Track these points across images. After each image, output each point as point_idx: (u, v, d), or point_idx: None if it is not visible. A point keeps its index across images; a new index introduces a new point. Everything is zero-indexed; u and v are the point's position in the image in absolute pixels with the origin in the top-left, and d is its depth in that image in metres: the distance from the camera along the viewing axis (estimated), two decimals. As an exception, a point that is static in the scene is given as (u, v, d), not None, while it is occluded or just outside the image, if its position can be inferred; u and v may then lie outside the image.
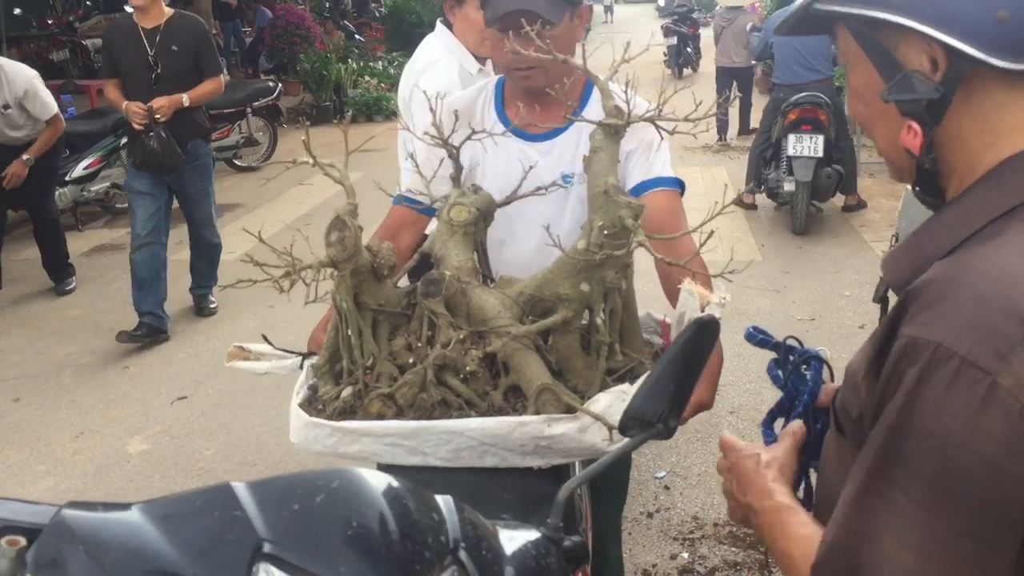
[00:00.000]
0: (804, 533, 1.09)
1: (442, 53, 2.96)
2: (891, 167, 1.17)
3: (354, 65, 14.07)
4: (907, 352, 0.93)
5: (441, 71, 2.89)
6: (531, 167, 1.98)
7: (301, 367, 1.83)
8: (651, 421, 1.23)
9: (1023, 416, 0.86)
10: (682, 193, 2.18)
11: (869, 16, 1.04)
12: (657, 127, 1.71)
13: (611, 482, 2.58)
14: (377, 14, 21.14)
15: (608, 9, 40.77)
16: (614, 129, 1.67)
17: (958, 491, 0.89)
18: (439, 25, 3.06)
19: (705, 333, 1.26)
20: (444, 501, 0.92)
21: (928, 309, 0.93)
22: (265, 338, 1.93)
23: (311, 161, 1.67)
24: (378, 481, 0.85)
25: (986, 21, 0.97)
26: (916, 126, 1.05)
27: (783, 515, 1.14)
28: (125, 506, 0.77)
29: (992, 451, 0.87)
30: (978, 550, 0.89)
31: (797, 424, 1.34)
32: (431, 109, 1.87)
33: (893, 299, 3.82)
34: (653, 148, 2.15)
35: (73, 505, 0.76)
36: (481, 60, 3.03)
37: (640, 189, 2.09)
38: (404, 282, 1.89)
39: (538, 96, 2.09)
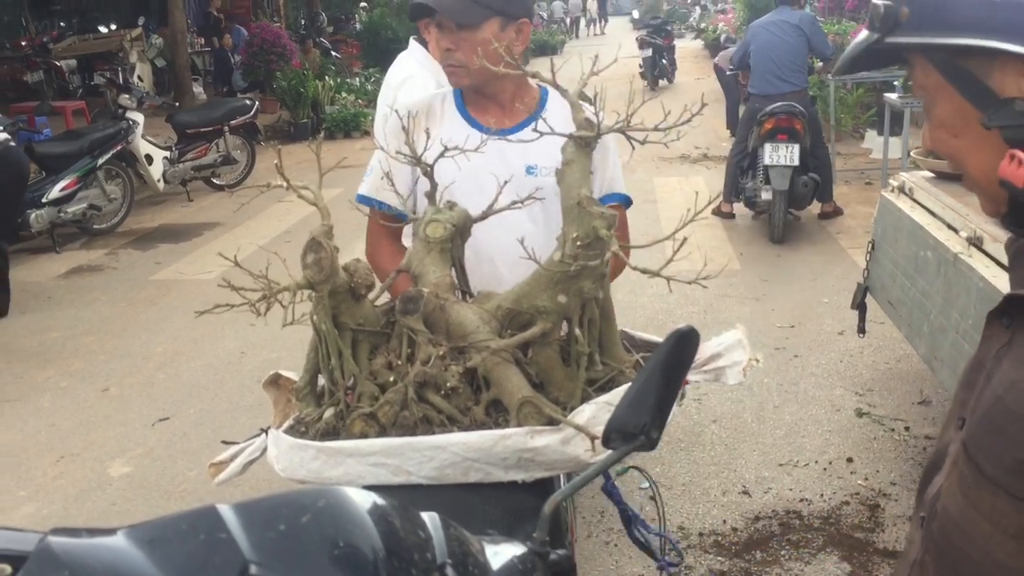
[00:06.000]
0: None
1: (417, 69, 2.98)
2: (984, 199, 1.06)
3: (331, 82, 14.05)
4: None
5: (419, 85, 2.90)
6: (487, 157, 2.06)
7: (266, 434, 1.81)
8: (633, 433, 1.25)
9: None
10: (628, 207, 2.38)
11: (955, 45, 0.96)
12: (628, 138, 1.73)
13: None
14: (353, 31, 21.16)
15: (592, 22, 41.10)
16: (585, 141, 1.69)
17: None
18: (413, 42, 3.08)
19: (685, 345, 1.27)
20: (430, 518, 0.93)
21: None
22: (224, 442, 1.96)
23: (285, 184, 1.68)
24: (364, 499, 0.85)
25: None
26: (1022, 155, 0.94)
27: None
28: (110, 531, 0.77)
29: None
30: None
31: None
32: (404, 128, 1.88)
33: (872, 304, 3.80)
34: (608, 162, 2.28)
35: (58, 531, 0.76)
36: None
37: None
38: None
39: (495, 96, 2.24)
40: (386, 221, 2.24)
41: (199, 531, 0.77)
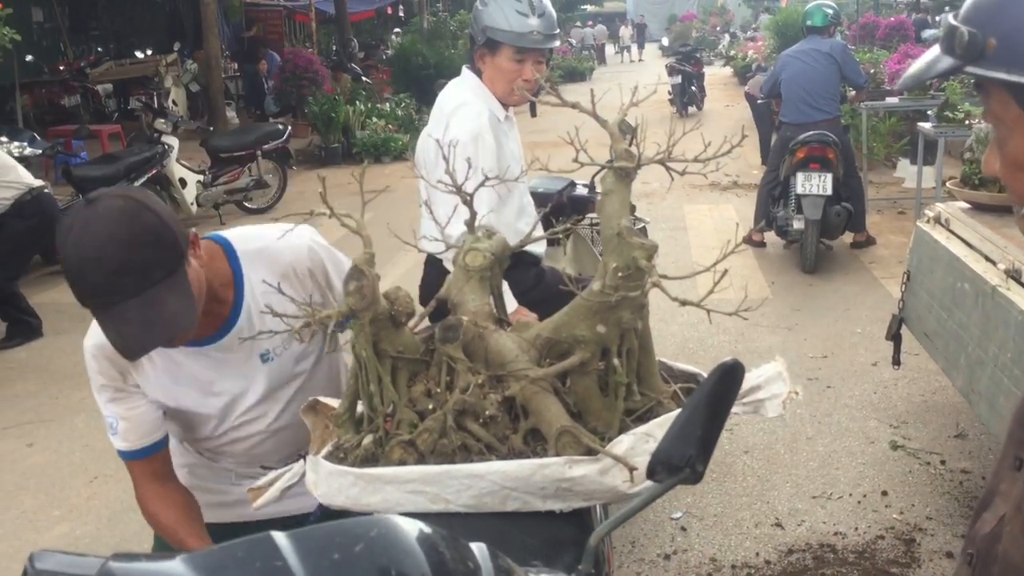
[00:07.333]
0: None
1: (470, 97, 3.02)
2: None
3: (362, 107, 14.18)
4: None
5: (473, 112, 2.94)
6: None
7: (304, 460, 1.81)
8: (679, 466, 1.24)
9: None
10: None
11: None
12: (667, 168, 1.74)
13: None
14: (384, 56, 21.37)
15: (626, 49, 41.65)
16: (625, 172, 1.69)
17: None
18: (466, 71, 3.11)
19: (730, 378, 1.27)
20: (478, 548, 0.93)
21: None
22: (263, 467, 1.98)
23: (328, 212, 1.70)
24: (415, 529, 0.86)
25: None
26: None
27: None
28: (169, 556, 0.79)
29: None
30: None
31: None
32: (444, 157, 1.90)
33: (907, 336, 3.75)
34: (333, 283, 2.11)
35: (118, 557, 0.77)
36: (505, 107, 3.09)
37: None
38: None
39: None
40: (158, 459, 2.05)
41: (255, 559, 0.78)
